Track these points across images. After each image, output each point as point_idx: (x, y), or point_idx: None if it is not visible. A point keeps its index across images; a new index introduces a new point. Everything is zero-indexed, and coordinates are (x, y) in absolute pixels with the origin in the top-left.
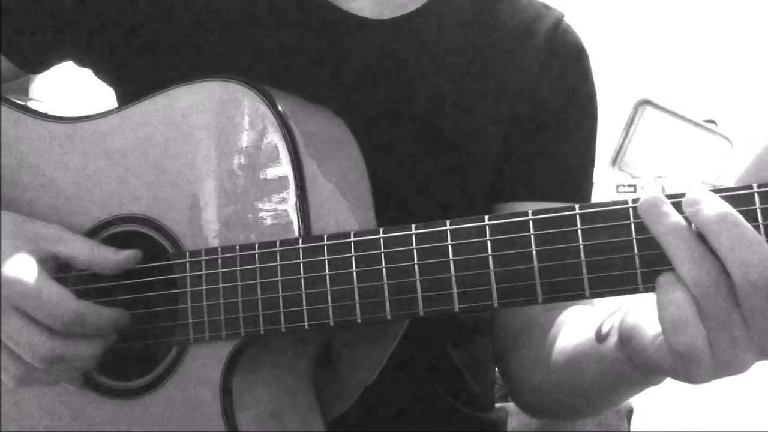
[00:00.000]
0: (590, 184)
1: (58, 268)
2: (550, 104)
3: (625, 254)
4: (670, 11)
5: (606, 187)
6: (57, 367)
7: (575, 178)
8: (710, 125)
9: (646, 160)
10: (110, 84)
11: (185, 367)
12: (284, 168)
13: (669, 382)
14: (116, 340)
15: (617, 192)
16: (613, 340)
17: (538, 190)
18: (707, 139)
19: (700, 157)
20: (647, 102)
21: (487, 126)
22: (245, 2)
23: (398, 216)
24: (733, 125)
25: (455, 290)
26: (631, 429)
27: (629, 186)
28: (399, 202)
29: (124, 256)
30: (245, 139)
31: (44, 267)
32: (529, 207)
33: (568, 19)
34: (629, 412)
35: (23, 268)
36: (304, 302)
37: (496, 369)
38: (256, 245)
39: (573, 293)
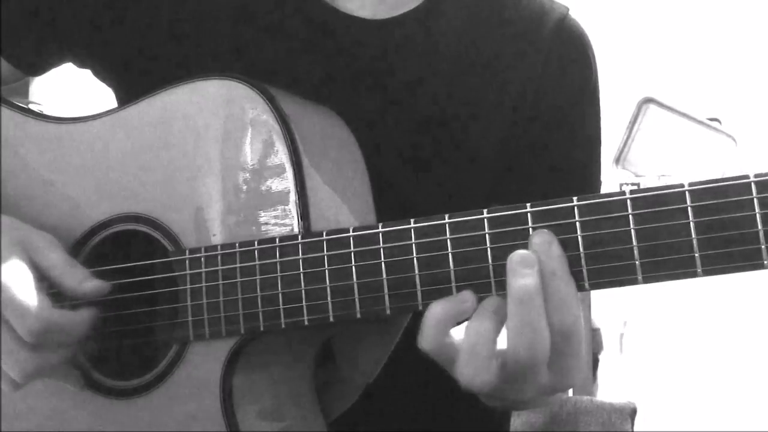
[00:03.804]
0: (598, 182)
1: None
2: (555, 101)
3: (624, 245)
4: (673, 9)
5: (609, 185)
6: (34, 379)
7: (582, 175)
8: (714, 123)
9: (649, 159)
10: (109, 84)
11: (185, 365)
12: (284, 166)
13: (672, 382)
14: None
15: (620, 190)
16: None
17: (544, 188)
18: (711, 137)
19: (704, 155)
20: (651, 100)
21: (490, 123)
22: (243, 4)
23: (401, 215)
24: (737, 123)
25: (454, 284)
26: (635, 429)
27: (632, 184)
28: (400, 203)
29: (92, 285)
30: (245, 138)
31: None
32: None
33: (573, 14)
34: (633, 412)
35: (8, 275)
36: (303, 298)
37: None
38: (256, 242)
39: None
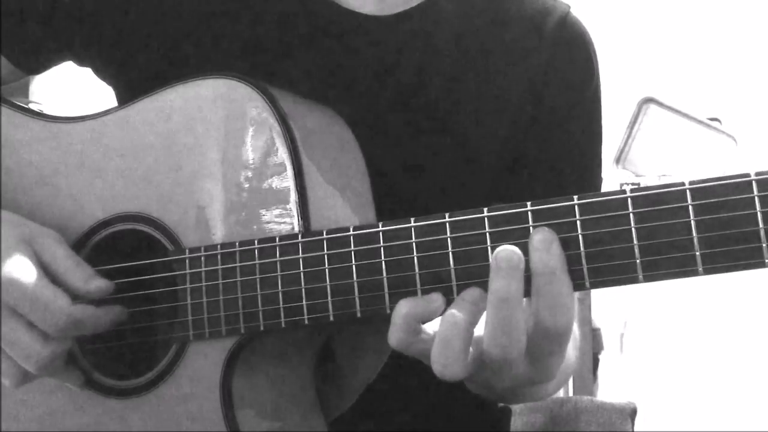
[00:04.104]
0: (599, 180)
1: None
2: (556, 99)
3: (624, 244)
4: (673, 9)
5: (610, 184)
6: (51, 369)
7: (583, 174)
8: (714, 123)
9: (650, 158)
10: (110, 83)
11: (185, 365)
12: (284, 165)
13: (672, 382)
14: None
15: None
16: None
17: (545, 187)
18: (711, 137)
19: (704, 155)
20: (651, 100)
21: (492, 122)
22: (245, 2)
23: (402, 214)
24: (737, 123)
25: (454, 283)
26: (635, 429)
27: (633, 184)
28: (401, 202)
29: (98, 284)
30: (245, 137)
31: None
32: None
33: (575, 12)
34: (633, 412)
35: (21, 271)
36: (303, 297)
37: None
38: (256, 241)
39: (573, 283)
